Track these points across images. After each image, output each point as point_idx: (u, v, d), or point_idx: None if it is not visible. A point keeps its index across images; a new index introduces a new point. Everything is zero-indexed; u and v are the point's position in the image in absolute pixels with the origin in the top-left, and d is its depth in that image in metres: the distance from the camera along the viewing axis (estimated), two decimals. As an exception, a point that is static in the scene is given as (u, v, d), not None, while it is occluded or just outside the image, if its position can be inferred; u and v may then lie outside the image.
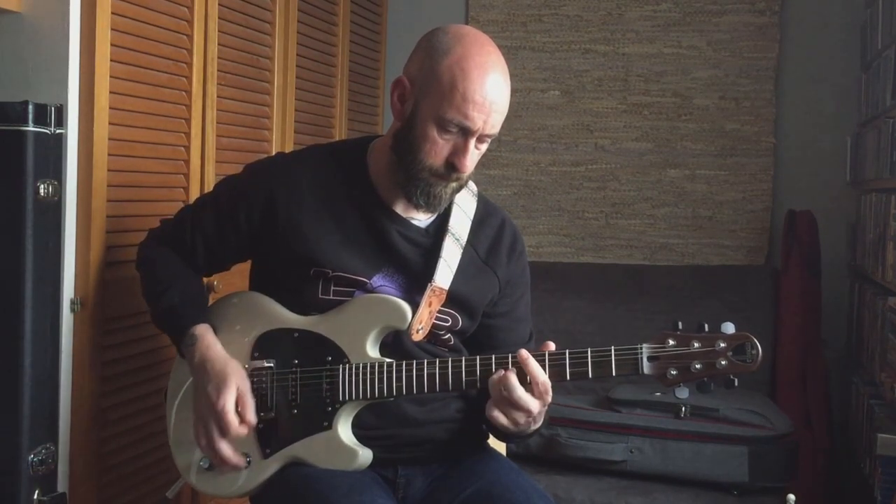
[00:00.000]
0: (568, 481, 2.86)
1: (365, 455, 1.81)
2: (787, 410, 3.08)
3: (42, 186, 1.87)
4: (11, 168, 1.84)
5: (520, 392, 1.71)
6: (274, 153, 2.11)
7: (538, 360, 1.74)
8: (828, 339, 3.47)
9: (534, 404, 1.73)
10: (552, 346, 1.77)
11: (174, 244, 1.96)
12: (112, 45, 2.09)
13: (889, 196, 2.75)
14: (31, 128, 1.84)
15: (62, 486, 1.98)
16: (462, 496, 1.85)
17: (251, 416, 1.78)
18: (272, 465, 1.84)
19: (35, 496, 1.88)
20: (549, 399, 1.75)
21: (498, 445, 2.12)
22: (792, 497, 2.09)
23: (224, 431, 1.77)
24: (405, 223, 1.88)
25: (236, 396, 1.78)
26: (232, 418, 1.76)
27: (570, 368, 1.74)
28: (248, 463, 1.84)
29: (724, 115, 3.70)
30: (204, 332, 1.85)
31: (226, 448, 1.79)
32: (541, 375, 1.72)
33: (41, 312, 1.89)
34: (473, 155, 1.80)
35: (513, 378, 1.72)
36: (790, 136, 3.69)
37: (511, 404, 1.73)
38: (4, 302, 1.85)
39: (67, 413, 2.01)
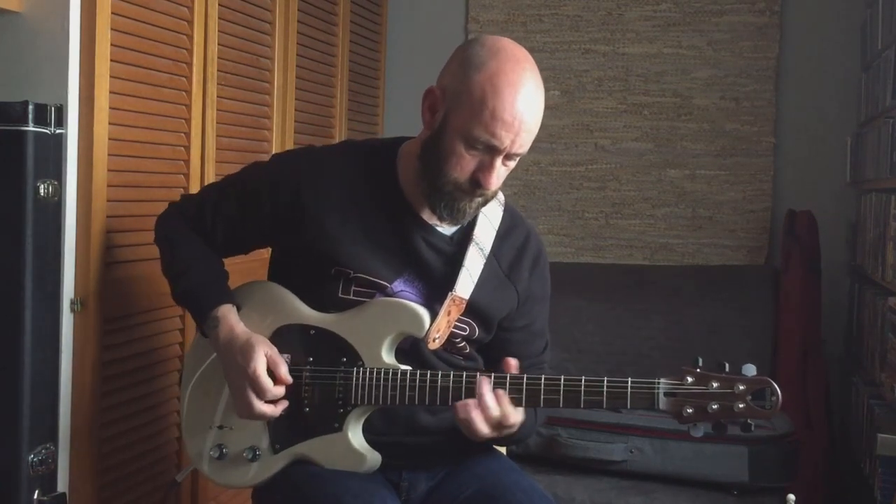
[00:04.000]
0: (568, 481, 2.86)
1: (373, 459, 1.81)
2: (787, 410, 3.08)
3: (42, 186, 1.87)
4: (11, 168, 1.84)
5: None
6: (305, 146, 2.10)
7: (553, 386, 1.73)
8: (828, 339, 3.47)
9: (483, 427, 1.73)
10: (513, 365, 1.76)
11: (194, 223, 1.94)
12: (112, 45, 2.09)
13: (889, 196, 2.75)
14: (31, 128, 1.84)
15: (62, 486, 1.98)
16: (463, 497, 1.85)
17: (284, 373, 1.79)
18: (280, 461, 1.84)
19: (35, 496, 1.88)
20: (509, 424, 1.74)
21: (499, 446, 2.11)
22: (792, 497, 2.08)
23: (261, 393, 1.77)
24: (430, 230, 1.86)
25: (266, 360, 1.78)
26: (265, 380, 1.77)
27: (584, 396, 1.72)
28: (258, 456, 1.85)
29: (724, 115, 3.70)
30: (226, 313, 1.85)
31: (268, 408, 1.79)
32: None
33: (41, 312, 1.89)
34: (500, 172, 1.77)
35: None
36: (790, 136, 3.68)
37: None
38: (4, 302, 1.85)
39: (67, 413, 2.01)
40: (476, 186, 1.77)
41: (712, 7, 3.69)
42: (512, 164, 1.79)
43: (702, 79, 3.71)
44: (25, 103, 1.84)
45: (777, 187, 3.68)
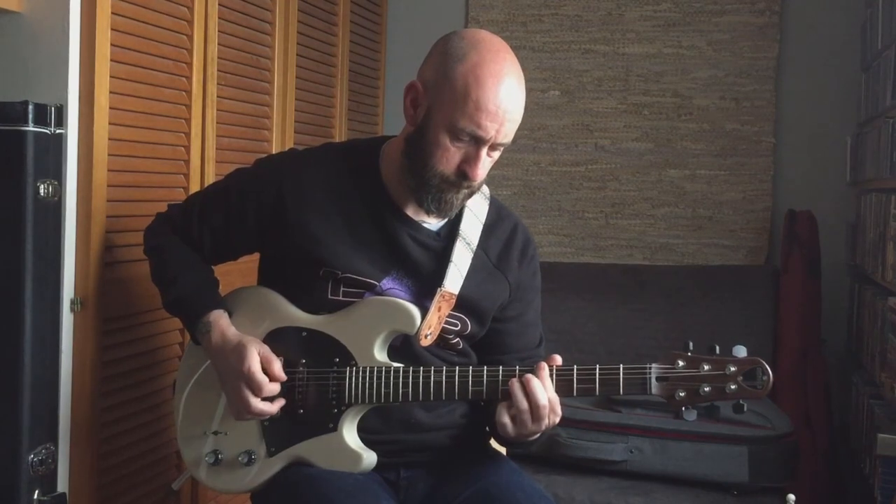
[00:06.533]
0: (568, 481, 2.86)
1: (369, 458, 1.81)
2: (787, 410, 3.08)
3: (42, 186, 1.87)
4: (11, 168, 1.84)
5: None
6: (287, 149, 2.10)
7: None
8: (828, 339, 3.47)
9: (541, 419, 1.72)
10: (559, 359, 1.76)
11: (182, 232, 1.95)
12: (112, 45, 2.09)
13: (889, 196, 2.75)
14: (31, 128, 1.84)
15: (62, 486, 1.98)
16: (462, 497, 1.85)
17: (278, 370, 1.79)
18: (276, 464, 1.84)
19: (35, 496, 1.88)
20: (556, 418, 1.74)
21: (498, 446, 2.11)
22: (792, 497, 2.09)
23: (257, 390, 1.77)
24: (416, 226, 1.87)
25: (260, 358, 1.78)
26: (261, 376, 1.77)
27: (577, 384, 1.74)
28: (254, 460, 1.85)
29: (724, 115, 3.70)
30: (217, 318, 1.86)
31: (265, 405, 1.79)
32: (542, 398, 1.71)
33: (41, 312, 1.89)
34: (485, 163, 1.78)
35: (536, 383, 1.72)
36: (790, 136, 3.68)
37: (520, 412, 1.73)
38: (4, 302, 1.85)
39: (67, 413, 2.01)
40: (463, 178, 1.78)
41: (712, 7, 3.70)
42: (496, 154, 1.81)
43: (702, 79, 3.71)
44: (25, 103, 1.84)
45: (777, 187, 3.68)
